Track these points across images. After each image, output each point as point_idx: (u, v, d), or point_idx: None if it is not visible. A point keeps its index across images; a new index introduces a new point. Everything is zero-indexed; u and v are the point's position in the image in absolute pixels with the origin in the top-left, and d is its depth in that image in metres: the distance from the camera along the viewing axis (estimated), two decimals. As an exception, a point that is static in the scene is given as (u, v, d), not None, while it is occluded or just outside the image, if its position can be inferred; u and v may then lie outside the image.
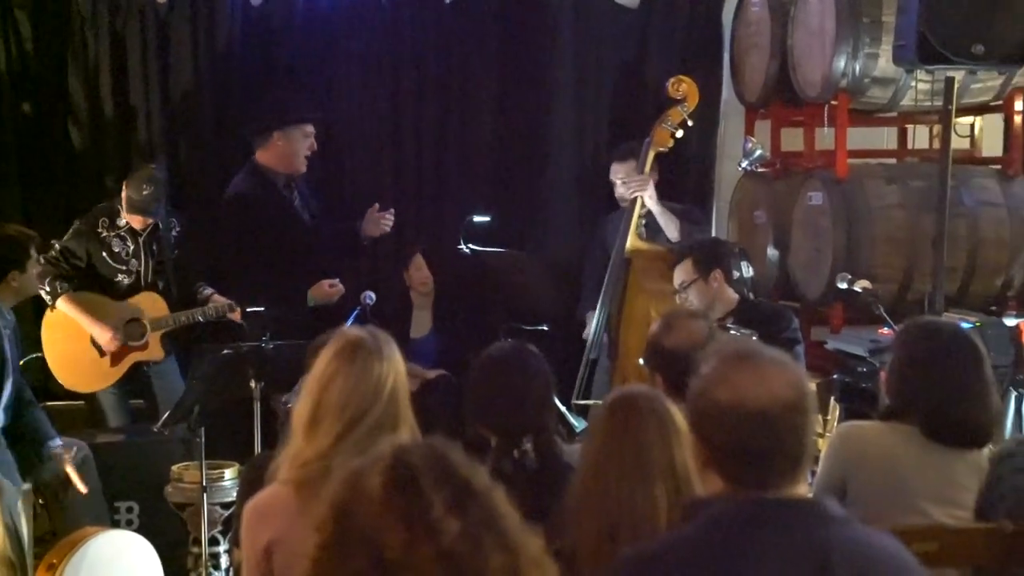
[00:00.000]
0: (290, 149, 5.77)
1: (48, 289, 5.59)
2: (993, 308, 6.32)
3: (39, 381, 5.88)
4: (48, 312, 5.75)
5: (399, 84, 6.89)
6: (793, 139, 7.00)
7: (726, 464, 2.03)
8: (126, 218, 5.75)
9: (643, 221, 5.86)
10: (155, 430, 4.92)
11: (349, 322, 4.99)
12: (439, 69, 6.92)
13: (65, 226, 5.83)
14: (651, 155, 5.83)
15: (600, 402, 4.31)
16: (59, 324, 5.74)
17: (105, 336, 5.65)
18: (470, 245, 5.49)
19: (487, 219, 5.90)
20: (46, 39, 6.61)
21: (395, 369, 2.77)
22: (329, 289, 5.84)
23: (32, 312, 5.94)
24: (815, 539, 1.96)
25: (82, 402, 5.96)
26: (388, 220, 6.04)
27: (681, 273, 5.04)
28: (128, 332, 5.71)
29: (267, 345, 4.91)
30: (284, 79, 6.71)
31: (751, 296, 5.69)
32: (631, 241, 5.74)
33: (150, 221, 5.76)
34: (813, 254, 6.43)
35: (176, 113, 6.71)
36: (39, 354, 5.81)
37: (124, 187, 5.74)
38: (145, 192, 5.65)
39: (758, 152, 6.32)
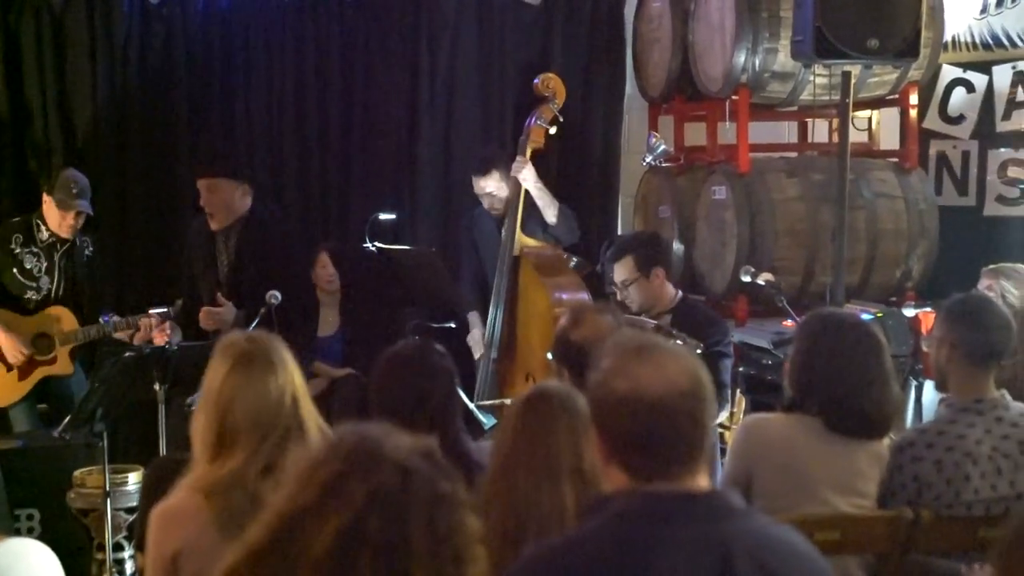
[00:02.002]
0: None
1: None
2: (893, 299, 6.44)
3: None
4: None
5: (302, 82, 6.83)
6: (696, 134, 7.06)
7: (626, 455, 2.04)
8: (55, 225, 5.67)
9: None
10: (56, 435, 4.81)
11: (255, 322, 4.93)
12: (342, 67, 6.87)
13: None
14: (528, 153, 5.82)
15: (507, 400, 4.32)
16: None
17: (12, 349, 5.55)
18: (376, 243, 5.46)
19: (392, 217, 5.88)
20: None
21: (290, 372, 2.74)
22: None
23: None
24: (716, 532, 1.97)
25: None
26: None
27: (623, 271, 4.99)
28: (37, 346, 5.62)
29: (171, 347, 4.84)
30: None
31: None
32: (518, 238, 5.73)
33: (81, 219, 5.68)
34: (717, 248, 6.50)
35: (74, 114, 6.57)
36: None
37: (47, 196, 5.66)
38: (74, 189, 5.63)
39: (662, 147, 6.37)
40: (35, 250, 5.68)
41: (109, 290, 6.03)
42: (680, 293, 5.03)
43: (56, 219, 5.67)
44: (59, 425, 4.83)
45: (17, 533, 5.08)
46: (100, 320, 5.71)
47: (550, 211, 5.80)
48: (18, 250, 5.66)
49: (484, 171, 5.87)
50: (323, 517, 1.60)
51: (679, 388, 2.01)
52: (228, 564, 1.70)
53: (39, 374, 5.68)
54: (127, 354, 4.74)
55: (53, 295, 5.73)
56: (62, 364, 5.71)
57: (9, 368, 5.61)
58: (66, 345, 5.67)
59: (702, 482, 2.05)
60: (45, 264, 5.69)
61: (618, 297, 5.01)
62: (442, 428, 3.14)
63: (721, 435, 4.70)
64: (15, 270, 5.64)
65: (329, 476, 1.63)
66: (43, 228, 5.70)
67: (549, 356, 3.68)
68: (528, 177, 5.73)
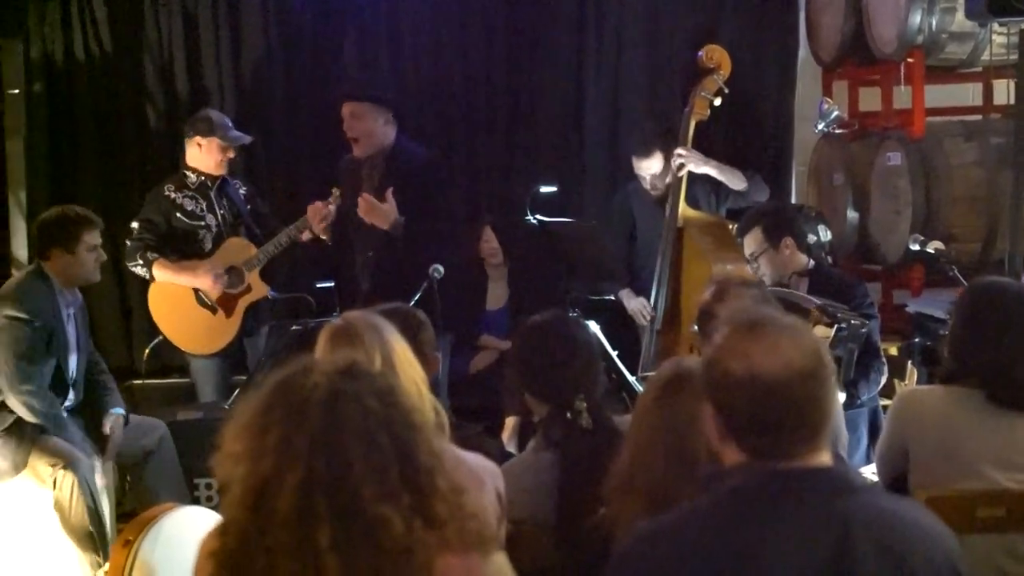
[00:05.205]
0: None
1: (141, 263, 5.68)
2: (1086, 268, 6.14)
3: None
4: (151, 288, 5.82)
5: (468, 56, 6.88)
6: (871, 98, 6.86)
7: (743, 435, 1.99)
8: (213, 165, 5.73)
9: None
10: (226, 407, 4.97)
11: (416, 295, 4.99)
12: (509, 42, 6.89)
13: (140, 207, 5.89)
14: (691, 125, 5.68)
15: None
16: (164, 296, 5.82)
17: (207, 282, 5.69)
18: (537, 216, 5.44)
19: (554, 189, 5.84)
20: (120, 22, 6.75)
21: (381, 340, 2.77)
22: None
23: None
24: (834, 509, 1.91)
25: (187, 379, 6.10)
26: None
27: (751, 243, 4.91)
28: (227, 282, 5.77)
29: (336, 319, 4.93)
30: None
31: (830, 260, 5.58)
32: (682, 209, 5.63)
33: (233, 150, 5.78)
34: (891, 216, 6.31)
35: (248, 91, 6.77)
36: (160, 338, 5.98)
37: (200, 138, 5.71)
38: (228, 123, 5.77)
39: (835, 113, 6.23)
40: (189, 193, 5.76)
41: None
42: (812, 262, 4.89)
43: (216, 157, 5.72)
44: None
45: (196, 502, 5.28)
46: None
47: (736, 180, 5.69)
48: (174, 195, 5.75)
49: (645, 153, 5.76)
50: (281, 478, 1.67)
51: (797, 369, 1.95)
52: (210, 547, 1.78)
53: (242, 305, 5.80)
54: (294, 327, 4.85)
55: (224, 231, 5.81)
56: (257, 289, 5.82)
57: (214, 310, 5.79)
58: (253, 270, 5.77)
59: (823, 459, 1.99)
60: (204, 203, 5.77)
61: (748, 271, 4.90)
62: (587, 391, 3.12)
63: (885, 407, 4.56)
64: (179, 214, 5.73)
65: (279, 439, 1.70)
66: (190, 174, 5.78)
67: (694, 328, 3.63)
68: (696, 163, 5.61)
